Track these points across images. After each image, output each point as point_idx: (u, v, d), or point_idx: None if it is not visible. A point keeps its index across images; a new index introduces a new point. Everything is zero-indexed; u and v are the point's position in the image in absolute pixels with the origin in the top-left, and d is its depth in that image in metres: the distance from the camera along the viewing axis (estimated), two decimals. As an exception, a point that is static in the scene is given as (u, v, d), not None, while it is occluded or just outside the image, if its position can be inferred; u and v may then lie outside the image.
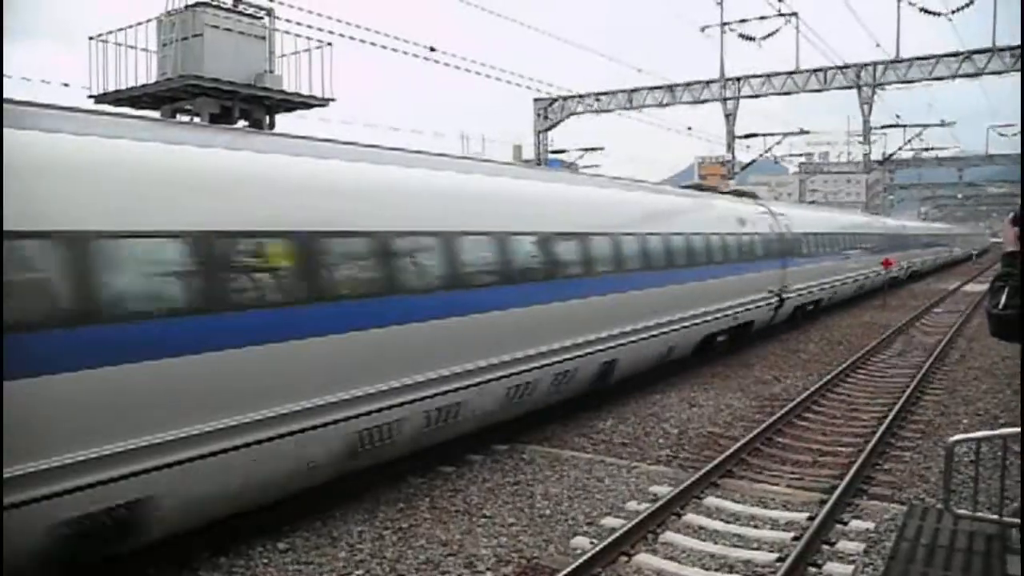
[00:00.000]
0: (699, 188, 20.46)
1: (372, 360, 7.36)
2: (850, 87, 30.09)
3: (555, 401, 10.68)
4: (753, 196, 21.86)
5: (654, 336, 12.39)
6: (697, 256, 14.23)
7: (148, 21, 11.40)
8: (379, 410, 7.35)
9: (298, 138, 8.21)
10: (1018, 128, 47.25)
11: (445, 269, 8.35)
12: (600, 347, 10.86)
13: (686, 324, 13.51)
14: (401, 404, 7.58)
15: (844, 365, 15.18)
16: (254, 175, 7.03)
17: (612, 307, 11.19)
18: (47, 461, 5.04)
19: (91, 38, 11.37)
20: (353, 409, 7.10)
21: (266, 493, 6.73)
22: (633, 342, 11.72)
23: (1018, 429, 5.84)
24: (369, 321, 7.34)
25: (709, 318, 14.52)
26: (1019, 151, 48.87)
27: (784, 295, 19.17)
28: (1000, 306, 3.82)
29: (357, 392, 7.13)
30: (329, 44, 12.41)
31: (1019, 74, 25.68)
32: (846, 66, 29.20)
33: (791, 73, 30.00)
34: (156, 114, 11.56)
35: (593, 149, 36.23)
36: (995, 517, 5.93)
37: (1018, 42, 25.17)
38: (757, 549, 6.83)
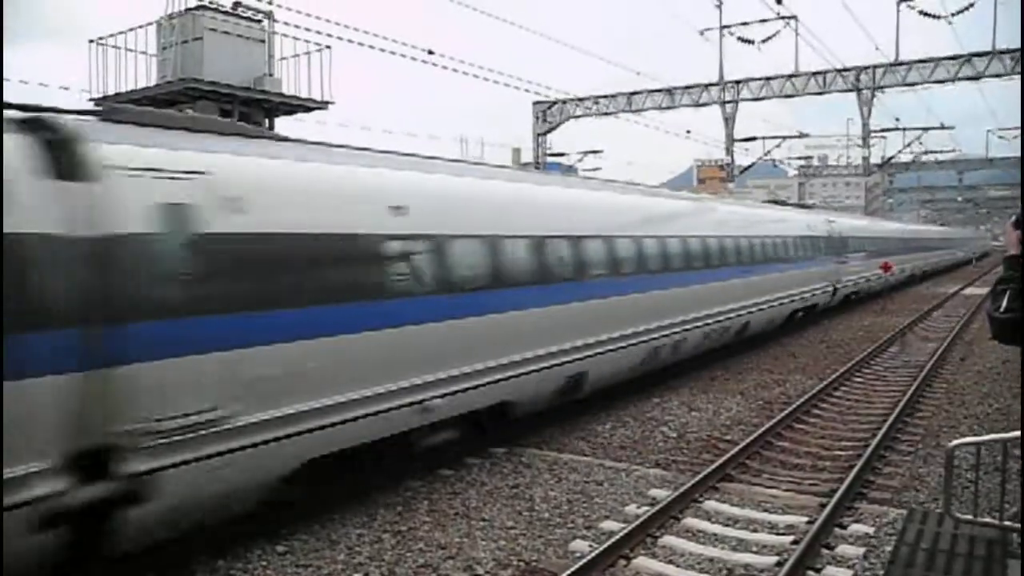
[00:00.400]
0: (776, 203, 26.62)
1: (655, 309, 12.28)
2: (849, 90, 30.11)
3: (716, 345, 15.80)
4: (810, 206, 28.33)
5: (768, 308, 17.87)
6: (790, 253, 19.87)
7: (148, 24, 11.41)
8: (657, 338, 12.39)
9: (494, 166, 12.88)
10: (1018, 131, 47.28)
11: (678, 260, 13.29)
12: (739, 313, 15.98)
13: (783, 301, 19.09)
14: (659, 337, 12.49)
15: (843, 369, 15.17)
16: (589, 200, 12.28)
17: (744, 288, 16.26)
18: (561, 347, 9.86)
19: (91, 41, 11.38)
20: (648, 336, 12.09)
21: (630, 372, 12.26)
22: (755, 312, 16.94)
23: (1018, 433, 5.85)
24: (653, 286, 12.31)
25: (789, 300, 19.64)
26: (1019, 154, 48.93)
27: (838, 285, 24.23)
28: (1002, 309, 3.82)
29: (649, 326, 12.04)
30: (328, 47, 12.42)
31: (1019, 77, 25.72)
32: (845, 69, 29.22)
33: (790, 76, 30.02)
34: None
35: (592, 152, 36.30)
36: (995, 521, 5.92)
37: (1018, 45, 25.22)
38: (756, 553, 6.80)
